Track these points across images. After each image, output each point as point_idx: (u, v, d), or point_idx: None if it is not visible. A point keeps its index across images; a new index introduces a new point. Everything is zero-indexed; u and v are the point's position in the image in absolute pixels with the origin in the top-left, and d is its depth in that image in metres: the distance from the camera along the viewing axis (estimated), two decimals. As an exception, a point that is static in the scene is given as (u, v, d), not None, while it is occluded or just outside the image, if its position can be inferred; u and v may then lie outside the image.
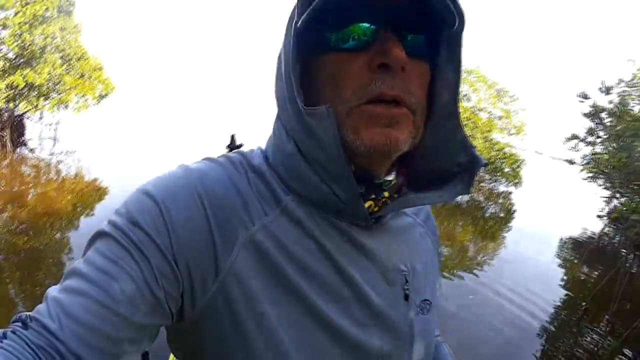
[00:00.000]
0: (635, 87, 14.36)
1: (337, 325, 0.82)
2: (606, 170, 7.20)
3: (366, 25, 0.78)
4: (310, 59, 0.83)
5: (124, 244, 0.74)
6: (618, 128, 6.85)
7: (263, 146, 0.99)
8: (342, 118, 0.78)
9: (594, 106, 6.53)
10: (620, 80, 15.16)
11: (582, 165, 7.68)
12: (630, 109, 6.36)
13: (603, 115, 6.56)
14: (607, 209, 5.73)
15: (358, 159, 0.81)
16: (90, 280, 0.71)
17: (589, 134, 6.87)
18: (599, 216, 5.91)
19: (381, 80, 0.76)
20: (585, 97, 6.59)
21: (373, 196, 0.87)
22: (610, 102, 6.55)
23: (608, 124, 6.79)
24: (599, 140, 6.84)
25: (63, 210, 8.81)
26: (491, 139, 21.64)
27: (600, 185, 7.53)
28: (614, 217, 5.60)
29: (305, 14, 0.73)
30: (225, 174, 0.87)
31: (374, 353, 0.86)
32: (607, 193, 6.50)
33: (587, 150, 7.23)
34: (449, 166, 0.91)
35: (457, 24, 0.77)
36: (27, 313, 0.70)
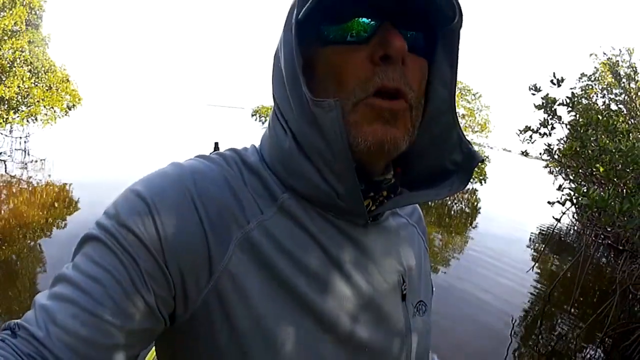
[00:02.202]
0: (597, 80, 14.75)
1: (336, 323, 0.82)
2: (561, 160, 7.44)
3: (366, 20, 0.79)
4: (308, 53, 0.83)
5: (112, 247, 0.73)
6: (571, 118, 7.04)
7: (257, 144, 0.99)
8: (348, 112, 0.78)
9: (545, 97, 6.71)
10: (583, 74, 15.54)
11: (540, 157, 7.87)
12: (581, 100, 6.57)
13: (556, 106, 6.75)
14: (561, 198, 5.89)
15: (358, 155, 0.81)
16: (78, 286, 0.71)
17: (543, 126, 7.06)
18: (549, 202, 6.05)
19: (383, 73, 0.77)
20: (536, 89, 6.77)
21: (372, 194, 0.88)
22: (573, 94, 6.74)
23: (562, 114, 6.98)
24: (553, 131, 7.04)
25: (35, 219, 8.87)
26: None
27: (555, 175, 7.73)
28: (563, 202, 5.77)
29: (307, 5, 0.74)
30: (218, 171, 0.85)
31: (373, 352, 0.86)
32: (561, 182, 6.67)
33: (544, 141, 7.40)
34: (445, 164, 0.92)
35: (456, 19, 0.80)
36: (16, 321, 0.69)
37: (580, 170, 7.18)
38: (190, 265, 0.75)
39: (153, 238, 0.74)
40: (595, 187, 6.76)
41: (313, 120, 0.78)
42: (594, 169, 6.34)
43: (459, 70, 0.86)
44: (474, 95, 24.90)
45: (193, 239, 0.76)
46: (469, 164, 0.89)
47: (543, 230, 14.41)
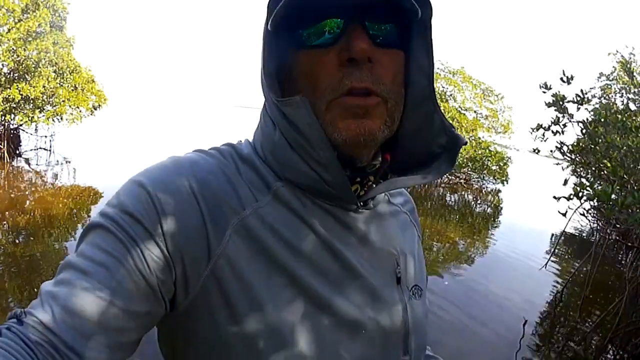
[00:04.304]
0: (615, 80, 14.62)
1: (332, 304, 0.84)
2: (571, 157, 7.41)
3: (333, 20, 0.82)
4: (286, 56, 0.87)
5: (116, 233, 0.76)
6: (584, 117, 6.99)
7: (250, 139, 1.02)
8: (322, 112, 0.82)
9: (555, 95, 6.69)
10: (601, 74, 15.40)
11: (551, 155, 7.84)
12: (601, 99, 6.54)
13: (566, 104, 6.72)
14: (568, 193, 5.88)
15: (339, 146, 0.84)
16: (83, 271, 0.73)
17: (554, 123, 7.04)
18: (555, 197, 6.00)
19: (350, 75, 0.80)
20: (547, 87, 6.74)
21: (358, 179, 0.92)
22: (582, 90, 6.69)
23: (578, 113, 6.90)
24: (565, 128, 7.00)
25: (59, 217, 9.06)
26: (478, 138, 21.97)
27: (571, 173, 7.71)
28: (569, 197, 5.76)
29: (272, 15, 0.78)
30: (215, 163, 0.89)
31: (371, 333, 0.88)
32: (568, 178, 6.62)
33: (557, 139, 7.35)
34: (431, 148, 0.96)
35: (420, 14, 0.81)
36: (22, 309, 0.71)
37: (588, 167, 7.16)
38: (190, 251, 0.79)
39: (155, 224, 0.77)
40: (603, 182, 6.71)
41: (287, 117, 0.84)
42: (602, 165, 6.33)
43: (435, 57, 0.90)
44: (496, 96, 24.74)
45: (192, 225, 0.80)
46: (454, 146, 0.93)
47: (566, 233, 14.25)
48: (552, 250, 8.90)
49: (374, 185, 0.94)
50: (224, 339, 0.80)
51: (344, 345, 0.85)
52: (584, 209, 7.00)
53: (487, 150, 21.12)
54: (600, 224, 8.96)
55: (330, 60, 0.82)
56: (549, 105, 6.73)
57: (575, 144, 6.94)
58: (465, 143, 0.94)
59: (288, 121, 0.84)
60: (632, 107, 10.81)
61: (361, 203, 0.95)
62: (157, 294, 0.77)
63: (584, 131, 6.61)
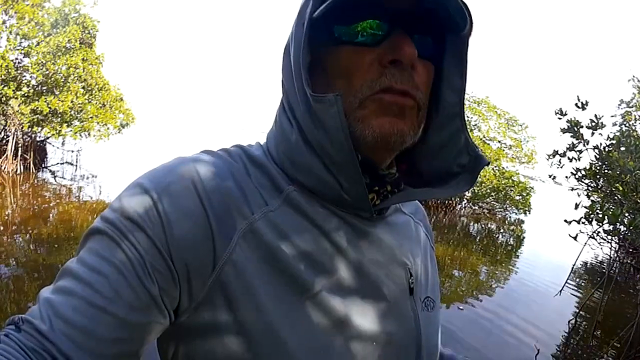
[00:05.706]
0: (635, 106, 14.53)
1: (342, 313, 0.81)
2: (585, 181, 7.38)
3: (378, 22, 0.80)
4: (319, 51, 0.84)
5: (117, 239, 0.73)
6: (599, 142, 6.96)
7: (262, 142, 0.99)
8: (354, 109, 0.80)
9: (570, 121, 6.69)
10: (621, 101, 15.34)
11: (569, 185, 7.81)
12: (604, 123, 6.50)
13: (581, 130, 6.71)
14: (579, 217, 5.87)
15: (363, 148, 0.82)
16: (81, 279, 0.71)
17: (570, 149, 7.02)
18: (566, 221, 5.97)
19: (391, 74, 0.78)
20: (562, 113, 6.75)
21: (376, 188, 0.88)
22: (596, 115, 6.67)
23: (587, 137, 6.88)
24: (580, 154, 6.98)
25: (83, 230, 9.24)
26: (502, 168, 21.84)
27: (579, 196, 7.64)
28: (579, 220, 5.77)
29: (324, 6, 0.75)
30: (223, 164, 0.85)
31: (382, 344, 0.85)
32: (580, 202, 6.57)
33: (573, 165, 7.32)
34: (451, 166, 0.93)
35: (467, 28, 0.81)
36: (20, 315, 0.69)
37: (600, 192, 7.14)
38: (194, 257, 0.75)
39: (158, 231, 0.74)
40: (615, 205, 6.67)
41: (315, 114, 0.79)
42: (614, 189, 6.33)
43: (468, 75, 0.88)
44: (520, 125, 24.72)
45: (197, 230, 0.76)
46: (475, 166, 0.91)
47: (587, 262, 14.10)
48: (568, 276, 8.81)
49: (390, 195, 0.92)
50: (227, 348, 0.77)
51: (354, 358, 0.81)
52: (596, 233, 6.95)
53: (510, 180, 21.05)
54: (614, 249, 8.90)
55: (372, 59, 0.80)
56: (564, 131, 6.75)
57: (587, 168, 6.93)
58: (488, 164, 0.92)
59: (314, 119, 0.80)
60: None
61: (375, 212, 0.91)
62: (158, 303, 0.74)
63: (597, 156, 6.61)
